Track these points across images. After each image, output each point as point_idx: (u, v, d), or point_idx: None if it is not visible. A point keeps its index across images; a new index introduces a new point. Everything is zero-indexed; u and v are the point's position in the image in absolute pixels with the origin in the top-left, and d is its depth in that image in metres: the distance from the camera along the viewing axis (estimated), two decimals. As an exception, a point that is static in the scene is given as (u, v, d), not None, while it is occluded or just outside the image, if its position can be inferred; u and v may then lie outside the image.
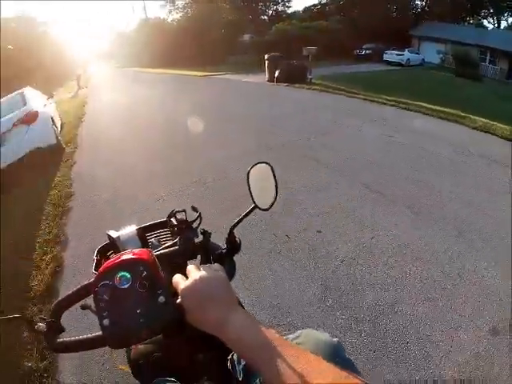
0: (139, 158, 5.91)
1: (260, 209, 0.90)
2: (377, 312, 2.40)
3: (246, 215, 0.90)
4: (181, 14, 39.25)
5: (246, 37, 33.90)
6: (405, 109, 9.35)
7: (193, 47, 30.68)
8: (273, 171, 0.90)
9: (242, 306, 0.85)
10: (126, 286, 0.63)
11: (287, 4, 42.29)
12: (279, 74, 14.65)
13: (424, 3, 37.81)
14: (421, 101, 10.07)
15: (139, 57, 35.39)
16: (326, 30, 29.34)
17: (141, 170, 5.30)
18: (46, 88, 11.33)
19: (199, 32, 31.21)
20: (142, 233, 0.96)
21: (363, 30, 30.17)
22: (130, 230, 0.94)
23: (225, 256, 0.88)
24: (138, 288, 0.62)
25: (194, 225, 0.88)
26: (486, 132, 7.20)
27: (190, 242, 0.84)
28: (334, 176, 4.74)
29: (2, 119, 5.81)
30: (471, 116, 8.38)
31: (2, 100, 7.17)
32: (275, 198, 0.89)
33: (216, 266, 0.71)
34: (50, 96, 8.36)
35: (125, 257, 0.67)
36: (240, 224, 0.89)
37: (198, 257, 0.88)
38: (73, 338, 0.67)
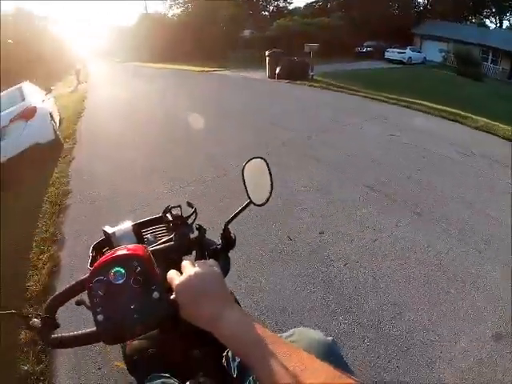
0: (138, 153, 5.86)
1: (255, 204, 0.91)
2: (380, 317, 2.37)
3: (241, 211, 0.90)
4: (181, 9, 39.08)
5: (247, 32, 33.81)
6: (406, 107, 9.29)
7: (193, 42, 30.60)
8: (268, 166, 0.91)
9: (238, 303, 0.87)
10: (121, 282, 0.62)
11: (288, 0, 42.20)
12: (280, 70, 14.55)
13: (426, 1, 37.65)
14: (422, 99, 10.01)
15: (140, 52, 35.29)
16: (328, 27, 29.15)
17: (140, 166, 5.26)
18: (45, 82, 11.28)
19: (199, 27, 31.10)
20: (138, 229, 0.96)
21: (365, 27, 30.01)
22: (125, 225, 0.94)
23: (220, 252, 0.88)
24: (132, 284, 0.62)
25: (190, 220, 0.88)
26: (487, 132, 7.16)
27: (185, 237, 0.84)
28: (334, 175, 4.71)
29: (1, 113, 5.73)
30: (473, 116, 8.35)
31: (0, 94, 7.10)
32: (270, 194, 0.90)
33: (211, 261, 0.71)
34: (49, 91, 8.29)
35: (119, 252, 0.67)
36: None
37: (194, 252, 0.88)
38: (67, 334, 0.67)
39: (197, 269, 0.64)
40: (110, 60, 44.60)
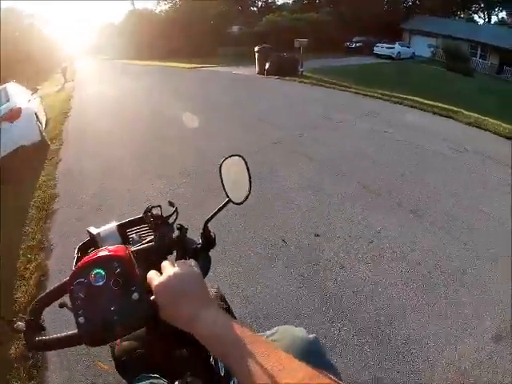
0: (125, 151, 5.80)
1: (234, 203, 0.91)
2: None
3: (220, 210, 0.90)
4: (169, 5, 38.67)
5: (235, 28, 33.54)
6: (398, 103, 9.29)
7: (181, 39, 30.23)
8: (246, 164, 0.91)
9: (225, 300, 0.93)
10: (101, 284, 0.62)
11: (277, -5, 41.98)
12: (269, 66, 14.45)
13: (415, -3, 37.80)
14: (413, 95, 10.05)
15: (128, 49, 34.76)
16: (317, 22, 29.10)
17: (127, 164, 5.22)
18: (32, 82, 11.06)
19: (188, 23, 30.77)
20: (123, 229, 0.94)
21: (354, 22, 30.07)
22: (110, 226, 0.92)
23: (200, 251, 0.87)
24: (112, 285, 0.62)
25: (171, 220, 0.86)
26: (478, 127, 7.19)
27: (165, 237, 0.82)
28: (326, 174, 4.66)
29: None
30: (463, 111, 8.38)
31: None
32: (249, 192, 0.90)
33: (190, 261, 0.71)
34: (35, 91, 8.11)
35: (100, 254, 0.67)
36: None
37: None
38: (51, 337, 0.67)
39: (176, 269, 0.64)
40: (98, 58, 44.04)
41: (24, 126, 5.87)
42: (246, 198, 0.90)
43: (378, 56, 27.01)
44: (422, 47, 29.47)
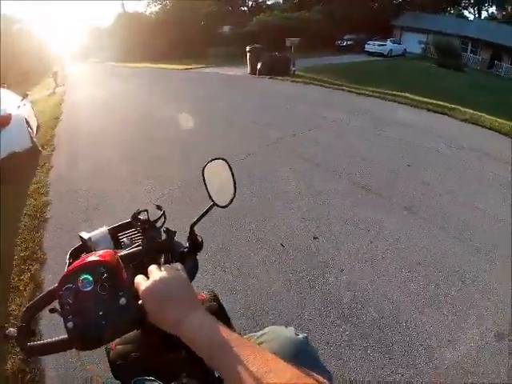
0: (118, 155, 5.76)
1: (218, 206, 0.92)
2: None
3: (205, 213, 0.91)
4: (159, 7, 38.51)
5: (226, 28, 33.43)
6: (392, 100, 9.32)
7: (172, 40, 30.18)
8: (229, 167, 0.92)
9: (217, 300, 0.94)
10: (89, 289, 0.63)
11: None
12: (261, 66, 14.44)
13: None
14: (406, 92, 10.10)
15: (118, 52, 34.64)
16: (308, 21, 29.09)
17: (117, 166, 5.22)
18: (22, 87, 10.93)
19: (178, 24, 30.71)
20: (114, 233, 0.94)
21: (344, 20, 30.06)
22: (101, 230, 0.92)
23: (186, 255, 0.88)
24: (99, 290, 0.63)
25: (159, 224, 0.86)
26: (473, 124, 7.22)
27: (152, 241, 0.82)
28: (322, 174, 4.64)
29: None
30: (458, 107, 8.43)
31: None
32: (234, 195, 0.91)
33: (177, 265, 0.72)
34: (25, 96, 7.98)
35: (88, 259, 0.67)
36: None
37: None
38: (42, 342, 0.69)
39: (162, 273, 0.65)
40: (89, 60, 43.78)
41: (14, 133, 5.72)
42: (231, 201, 0.91)
43: (370, 54, 27.03)
44: (412, 44, 29.63)
